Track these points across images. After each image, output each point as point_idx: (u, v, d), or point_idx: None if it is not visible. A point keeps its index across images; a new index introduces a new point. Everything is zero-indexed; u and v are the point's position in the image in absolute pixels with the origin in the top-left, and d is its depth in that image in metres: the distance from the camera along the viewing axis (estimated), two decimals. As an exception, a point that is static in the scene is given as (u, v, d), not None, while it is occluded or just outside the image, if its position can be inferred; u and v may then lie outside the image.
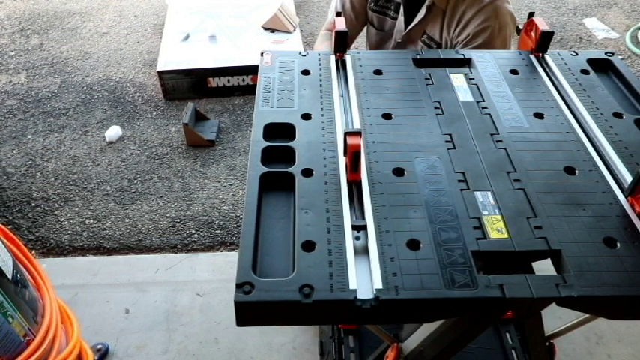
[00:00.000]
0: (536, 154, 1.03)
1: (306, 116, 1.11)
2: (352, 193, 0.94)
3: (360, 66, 1.28)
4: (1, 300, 1.17)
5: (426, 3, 1.55)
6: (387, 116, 1.12)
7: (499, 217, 0.90)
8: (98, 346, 1.88)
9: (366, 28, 1.81)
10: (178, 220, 2.45)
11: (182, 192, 2.59)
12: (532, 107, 1.15)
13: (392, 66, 1.28)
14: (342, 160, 0.99)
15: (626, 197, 0.94)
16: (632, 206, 0.92)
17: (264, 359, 1.88)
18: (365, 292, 0.78)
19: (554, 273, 0.84)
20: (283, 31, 3.49)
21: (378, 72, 1.26)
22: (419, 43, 1.62)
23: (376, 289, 0.78)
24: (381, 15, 1.67)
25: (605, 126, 1.10)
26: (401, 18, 1.61)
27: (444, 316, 0.89)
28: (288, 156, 1.02)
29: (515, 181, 0.97)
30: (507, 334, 1.57)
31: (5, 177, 2.69)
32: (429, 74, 1.25)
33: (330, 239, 0.85)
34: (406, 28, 1.61)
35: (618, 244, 0.86)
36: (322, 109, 1.13)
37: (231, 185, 2.64)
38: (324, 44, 1.71)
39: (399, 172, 0.99)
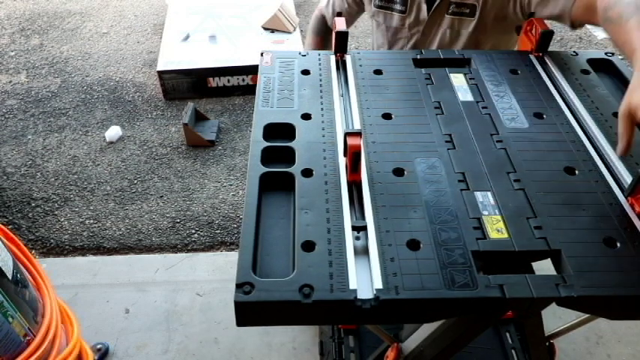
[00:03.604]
0: (536, 154, 1.03)
1: (306, 116, 1.11)
2: (352, 193, 0.94)
3: (360, 66, 1.27)
4: (1, 300, 1.17)
5: None
6: (387, 116, 1.12)
7: (499, 217, 0.90)
8: (98, 346, 1.88)
9: (375, 29, 1.77)
10: (178, 220, 2.45)
11: (182, 192, 2.60)
12: (532, 107, 1.15)
13: (392, 66, 1.28)
14: (342, 160, 0.99)
15: (626, 197, 0.94)
16: (632, 206, 0.92)
17: (264, 359, 1.88)
18: (365, 292, 0.78)
19: (554, 273, 0.84)
20: (283, 31, 3.49)
21: (378, 72, 1.26)
22: (445, 19, 1.51)
23: (376, 290, 0.78)
24: (387, 11, 1.63)
25: (605, 126, 1.10)
26: (423, 6, 1.53)
27: (444, 316, 0.89)
28: (288, 156, 1.02)
29: (515, 181, 0.97)
30: (507, 334, 1.57)
31: (5, 177, 2.69)
32: (429, 74, 1.25)
33: (330, 239, 0.85)
34: (429, 10, 1.52)
35: (618, 244, 0.86)
36: (322, 109, 1.13)
37: (231, 185, 2.64)
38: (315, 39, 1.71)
39: (399, 172, 0.99)
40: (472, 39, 1.49)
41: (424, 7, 1.52)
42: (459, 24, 1.49)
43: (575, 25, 1.31)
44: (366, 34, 3.82)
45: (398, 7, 1.57)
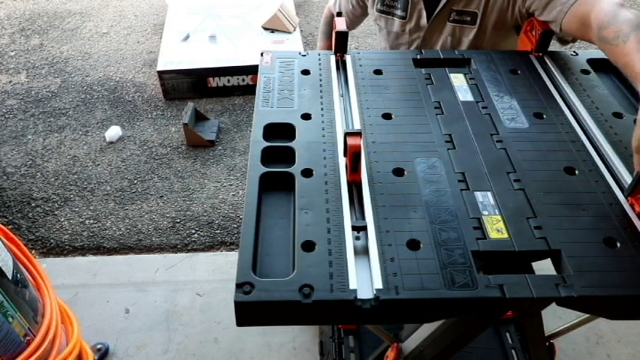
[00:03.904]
0: (536, 154, 1.03)
1: (306, 116, 1.11)
2: (352, 193, 0.94)
3: (360, 66, 1.27)
4: (1, 300, 1.17)
5: None
6: (387, 116, 1.12)
7: (499, 217, 0.90)
8: (98, 346, 1.88)
9: (378, 32, 1.77)
10: (178, 220, 2.45)
11: (182, 192, 2.60)
12: (532, 107, 1.15)
13: (392, 66, 1.28)
14: (342, 160, 0.99)
15: (626, 197, 0.94)
16: (632, 206, 0.92)
17: (264, 359, 1.88)
18: (365, 292, 0.78)
19: (554, 273, 0.84)
20: (283, 31, 3.49)
21: (378, 72, 1.26)
22: (446, 26, 1.50)
23: (376, 289, 0.78)
24: (388, 15, 1.62)
25: (605, 126, 1.10)
26: (424, 13, 1.52)
27: (444, 316, 0.89)
28: (288, 156, 1.02)
29: (515, 181, 0.97)
30: (507, 334, 1.57)
31: (5, 177, 2.69)
32: (429, 74, 1.25)
33: (330, 239, 0.85)
34: (429, 17, 1.51)
35: (618, 244, 0.86)
36: (322, 109, 1.13)
37: (231, 185, 2.64)
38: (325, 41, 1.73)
39: (399, 172, 0.99)
40: (472, 45, 1.49)
41: (424, 13, 1.52)
42: (460, 31, 1.49)
43: (565, 39, 1.27)
44: (366, 34, 3.82)
45: (399, 12, 1.57)
